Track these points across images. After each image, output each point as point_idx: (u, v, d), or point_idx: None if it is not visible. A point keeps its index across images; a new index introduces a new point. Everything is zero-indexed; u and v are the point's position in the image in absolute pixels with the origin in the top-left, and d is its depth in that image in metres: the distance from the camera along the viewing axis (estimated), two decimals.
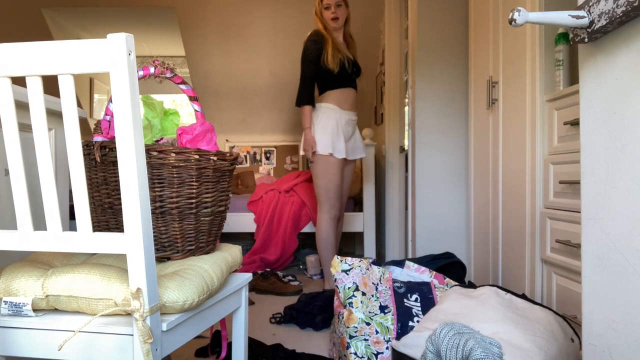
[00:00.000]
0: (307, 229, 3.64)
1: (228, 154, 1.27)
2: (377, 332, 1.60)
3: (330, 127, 2.77)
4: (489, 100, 2.20)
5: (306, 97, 2.77)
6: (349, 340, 1.60)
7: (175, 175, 1.15)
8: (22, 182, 0.91)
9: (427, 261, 2.07)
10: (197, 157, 1.17)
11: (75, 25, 4.90)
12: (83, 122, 3.83)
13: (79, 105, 4.99)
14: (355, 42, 2.97)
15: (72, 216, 2.05)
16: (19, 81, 0.97)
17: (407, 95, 3.44)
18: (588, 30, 0.71)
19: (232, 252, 1.31)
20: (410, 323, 1.61)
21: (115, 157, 1.10)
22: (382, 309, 1.65)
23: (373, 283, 1.73)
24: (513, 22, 0.72)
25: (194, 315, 1.06)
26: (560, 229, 1.61)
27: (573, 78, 1.68)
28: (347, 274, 1.72)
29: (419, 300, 1.70)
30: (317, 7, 2.83)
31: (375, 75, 4.41)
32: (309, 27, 3.00)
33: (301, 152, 2.86)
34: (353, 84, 2.87)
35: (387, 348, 1.58)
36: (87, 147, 1.17)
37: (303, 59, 2.80)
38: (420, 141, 2.84)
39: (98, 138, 1.17)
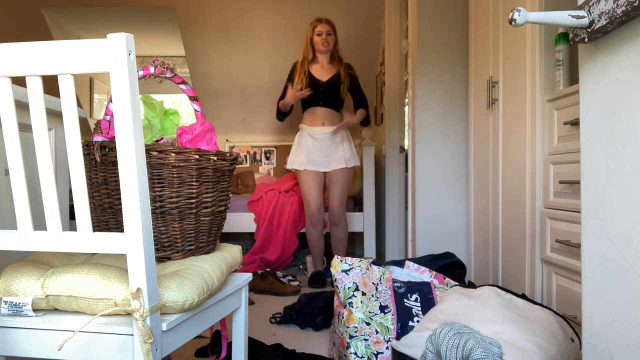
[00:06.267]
0: None
1: (228, 154, 1.27)
2: (377, 332, 1.60)
3: (297, 144, 3.33)
4: (489, 100, 2.20)
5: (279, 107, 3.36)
6: (349, 340, 1.60)
7: (175, 175, 1.15)
8: (22, 182, 0.91)
9: (427, 261, 2.07)
10: (197, 157, 1.17)
11: (75, 25, 4.90)
12: (83, 122, 3.82)
13: (79, 105, 4.99)
14: (343, 61, 3.35)
15: (72, 216, 2.05)
16: (19, 81, 0.97)
17: (407, 95, 3.44)
18: (588, 30, 0.71)
19: (232, 252, 1.31)
20: (410, 323, 1.61)
21: (115, 157, 1.10)
22: (382, 309, 1.65)
23: (373, 283, 1.73)
24: (513, 22, 0.72)
25: (194, 315, 1.06)
26: (560, 229, 1.61)
27: (573, 78, 1.68)
28: (347, 274, 1.72)
29: (419, 300, 1.70)
30: (309, 34, 3.29)
31: (375, 75, 4.41)
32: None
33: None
34: (319, 102, 3.28)
35: (387, 348, 1.58)
36: (87, 147, 1.17)
37: None
38: (420, 141, 2.83)
39: (98, 138, 1.17)
